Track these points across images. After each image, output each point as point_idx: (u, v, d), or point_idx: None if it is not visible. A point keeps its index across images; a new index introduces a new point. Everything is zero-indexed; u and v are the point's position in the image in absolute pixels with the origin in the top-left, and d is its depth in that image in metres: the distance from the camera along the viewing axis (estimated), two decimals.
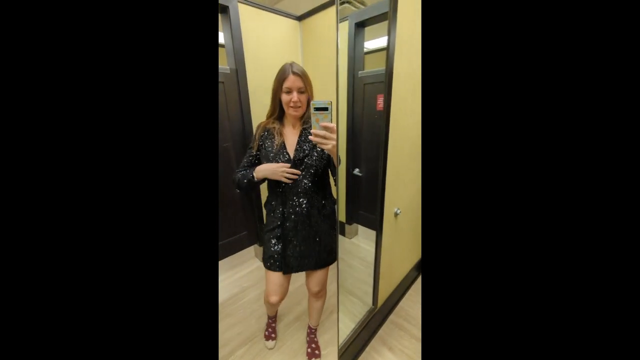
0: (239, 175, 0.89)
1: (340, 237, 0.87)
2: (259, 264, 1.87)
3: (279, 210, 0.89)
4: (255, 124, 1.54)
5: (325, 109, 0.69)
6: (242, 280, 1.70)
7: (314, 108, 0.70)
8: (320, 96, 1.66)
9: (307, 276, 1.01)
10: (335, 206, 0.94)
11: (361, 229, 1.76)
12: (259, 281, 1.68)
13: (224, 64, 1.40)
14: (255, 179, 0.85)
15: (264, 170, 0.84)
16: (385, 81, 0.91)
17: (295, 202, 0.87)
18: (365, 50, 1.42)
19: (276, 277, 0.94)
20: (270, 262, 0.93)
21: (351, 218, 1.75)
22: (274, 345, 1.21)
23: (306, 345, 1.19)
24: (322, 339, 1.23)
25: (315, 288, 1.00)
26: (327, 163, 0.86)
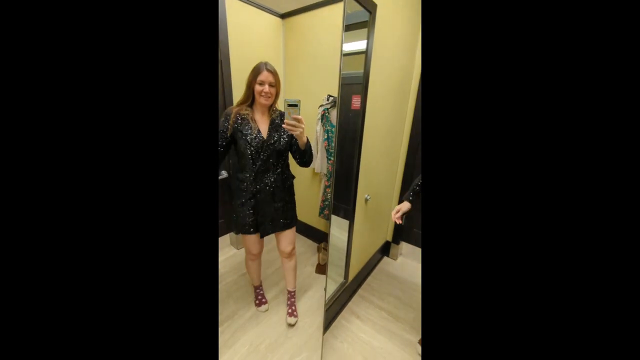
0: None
1: (329, 234, 1.09)
2: (234, 251, 1.92)
3: (251, 184, 1.07)
4: None
5: (295, 105, 0.89)
6: (219, 265, 1.74)
7: (287, 104, 0.88)
8: (298, 91, 1.77)
9: (279, 239, 1.21)
10: (293, 180, 1.18)
11: (335, 219, 1.93)
12: (235, 267, 1.74)
13: None
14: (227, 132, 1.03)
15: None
16: (363, 83, 1.07)
17: (266, 178, 1.06)
18: (345, 51, 1.57)
19: (253, 237, 1.17)
20: (246, 228, 1.12)
21: (332, 210, 1.90)
22: (267, 308, 1.36)
23: (287, 308, 1.35)
24: (300, 310, 1.36)
25: (287, 248, 1.22)
26: (289, 147, 1.07)
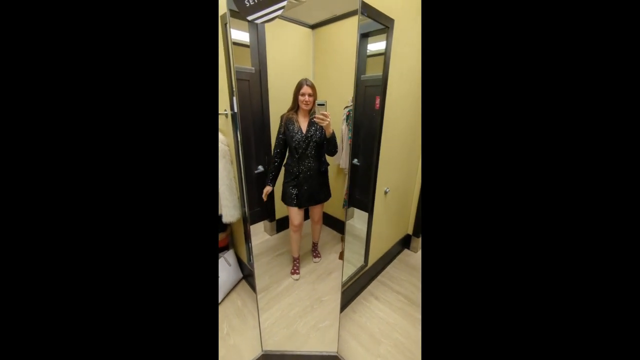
0: (270, 169, 1.51)
1: (345, 222, 1.35)
2: (268, 237, 2.18)
3: (295, 168, 1.43)
4: (273, 117, 1.83)
5: (323, 104, 1.22)
6: (255, 248, 2.01)
7: (318, 104, 1.22)
8: (326, 93, 1.96)
9: (312, 210, 1.63)
10: (327, 167, 1.53)
11: (357, 212, 2.07)
12: (269, 249, 1.99)
13: (249, 65, 1.68)
14: (268, 182, 1.51)
15: (266, 190, 1.51)
16: (382, 85, 1.22)
17: (305, 163, 1.44)
18: (368, 52, 1.71)
19: (295, 209, 1.53)
20: (289, 200, 1.51)
21: (348, 202, 2.06)
22: (299, 278, 1.64)
23: (312, 254, 1.79)
24: (324, 289, 1.54)
25: (316, 217, 1.66)
26: (323, 140, 1.39)
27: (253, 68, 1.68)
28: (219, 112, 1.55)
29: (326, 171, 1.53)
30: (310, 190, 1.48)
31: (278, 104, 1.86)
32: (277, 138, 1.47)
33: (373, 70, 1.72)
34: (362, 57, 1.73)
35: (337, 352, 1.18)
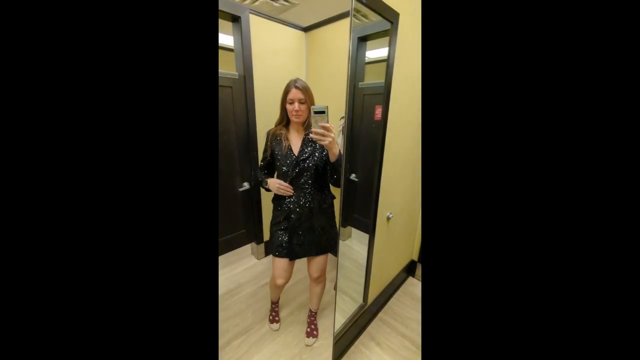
0: (260, 177, 1.10)
1: (339, 250, 0.99)
2: (255, 261, 1.94)
3: (286, 204, 1.03)
4: (259, 128, 1.62)
5: (323, 112, 0.82)
6: (238, 276, 1.77)
7: (314, 112, 0.82)
8: (322, 102, 1.75)
9: (309, 263, 1.14)
10: (334, 200, 1.09)
11: (355, 232, 1.85)
12: (255, 277, 1.74)
13: (233, 70, 1.48)
14: (266, 187, 1.06)
15: (271, 183, 1.05)
16: (384, 93, 1.01)
17: (300, 198, 1.02)
18: (366, 60, 1.52)
19: (283, 262, 1.08)
20: (279, 251, 1.07)
21: (345, 221, 1.84)
22: (279, 327, 1.32)
23: (306, 326, 1.31)
24: (318, 329, 1.30)
25: (316, 274, 1.14)
26: (326, 164, 0.99)
27: (236, 73, 1.49)
28: None
29: (331, 207, 1.09)
30: (308, 236, 1.04)
31: (266, 115, 1.66)
32: (263, 158, 1.09)
33: (373, 77, 1.53)
34: (360, 62, 1.53)
35: None
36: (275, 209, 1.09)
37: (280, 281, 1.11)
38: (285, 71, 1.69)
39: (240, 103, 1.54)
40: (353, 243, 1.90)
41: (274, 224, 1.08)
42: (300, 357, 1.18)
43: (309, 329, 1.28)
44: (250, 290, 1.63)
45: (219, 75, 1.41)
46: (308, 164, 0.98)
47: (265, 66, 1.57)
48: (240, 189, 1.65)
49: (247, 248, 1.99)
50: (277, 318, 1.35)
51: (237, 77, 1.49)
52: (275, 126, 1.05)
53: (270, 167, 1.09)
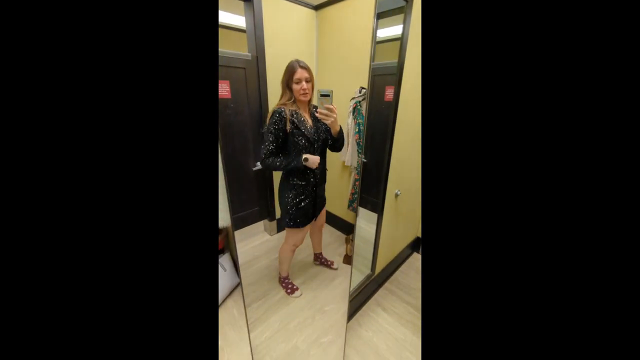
0: (278, 160, 1.07)
1: (355, 225, 1.13)
2: (268, 237, 2.06)
3: (308, 174, 1.14)
4: (271, 108, 1.67)
5: (328, 95, 0.95)
6: (254, 249, 1.89)
7: (320, 95, 0.96)
8: (330, 83, 1.77)
9: (319, 216, 1.35)
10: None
11: (362, 210, 1.93)
12: (269, 251, 1.87)
13: (245, 51, 1.51)
14: (304, 164, 1.07)
15: (311, 159, 1.08)
16: (397, 72, 1.04)
17: (320, 167, 1.15)
18: (377, 39, 1.52)
19: (305, 229, 1.27)
20: (302, 221, 1.21)
21: (359, 202, 1.92)
22: (301, 293, 1.47)
23: (318, 262, 1.66)
24: (327, 297, 1.43)
25: (322, 222, 1.45)
26: (329, 138, 1.15)
27: (249, 54, 1.51)
28: None
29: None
30: (320, 196, 1.26)
31: (277, 95, 1.70)
32: (274, 139, 1.04)
33: (383, 57, 1.53)
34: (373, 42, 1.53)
35: None
36: (294, 187, 1.14)
37: (299, 243, 1.32)
38: (296, 50, 1.70)
39: (253, 84, 1.57)
40: (361, 222, 1.99)
41: (296, 199, 1.15)
42: (313, 319, 1.31)
43: (328, 262, 1.63)
44: (265, 262, 1.75)
45: (233, 56, 1.44)
46: (324, 136, 1.12)
47: (277, 46, 1.59)
48: (254, 168, 1.72)
49: (260, 225, 2.10)
50: (295, 287, 1.47)
51: (249, 59, 1.51)
52: (283, 104, 1.06)
53: (281, 148, 1.07)
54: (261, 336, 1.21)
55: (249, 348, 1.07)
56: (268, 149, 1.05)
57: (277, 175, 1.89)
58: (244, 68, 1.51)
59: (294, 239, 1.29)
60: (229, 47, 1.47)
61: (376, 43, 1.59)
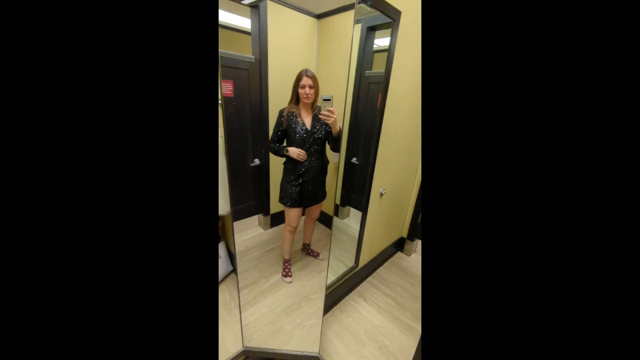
0: (275, 147, 1.41)
1: (333, 217, 1.31)
2: (262, 231, 2.16)
3: (299, 165, 1.36)
4: (272, 109, 1.78)
5: (329, 99, 1.16)
6: (247, 242, 1.99)
7: (323, 99, 1.16)
8: (331, 88, 1.89)
9: (310, 209, 1.56)
10: (328, 164, 1.45)
11: (353, 211, 2.04)
12: (261, 244, 1.97)
13: (249, 54, 1.62)
14: (285, 154, 1.37)
15: (291, 150, 1.35)
16: (384, 81, 1.17)
17: (311, 160, 1.37)
18: (375, 48, 1.64)
19: (295, 210, 1.46)
20: (291, 201, 1.42)
21: (344, 201, 2.03)
22: (292, 280, 1.59)
23: (305, 252, 1.74)
24: (313, 286, 1.53)
25: (315, 214, 1.60)
26: (327, 136, 1.34)
27: (253, 57, 1.62)
28: None
29: (326, 167, 1.48)
30: (313, 188, 1.43)
31: (277, 96, 1.81)
32: (274, 132, 1.39)
33: (379, 67, 1.66)
34: (368, 51, 1.66)
35: (318, 353, 1.17)
36: (287, 171, 1.42)
37: (293, 224, 1.48)
38: (297, 56, 1.81)
39: (255, 85, 1.68)
40: (350, 221, 2.10)
41: (287, 182, 1.40)
42: (298, 305, 1.41)
43: (313, 253, 1.69)
44: (257, 254, 1.86)
45: (237, 58, 1.55)
46: (318, 135, 1.32)
47: (279, 50, 1.70)
48: (252, 164, 1.83)
49: (255, 219, 2.20)
50: (290, 273, 1.61)
51: (253, 61, 1.62)
52: (288, 105, 1.35)
53: (281, 139, 1.37)
54: (250, 317, 1.31)
55: (240, 326, 1.18)
56: (272, 137, 1.41)
57: (274, 173, 2.00)
58: (247, 70, 1.61)
59: (287, 218, 1.48)
60: (234, 49, 1.58)
61: (373, 52, 1.71)
